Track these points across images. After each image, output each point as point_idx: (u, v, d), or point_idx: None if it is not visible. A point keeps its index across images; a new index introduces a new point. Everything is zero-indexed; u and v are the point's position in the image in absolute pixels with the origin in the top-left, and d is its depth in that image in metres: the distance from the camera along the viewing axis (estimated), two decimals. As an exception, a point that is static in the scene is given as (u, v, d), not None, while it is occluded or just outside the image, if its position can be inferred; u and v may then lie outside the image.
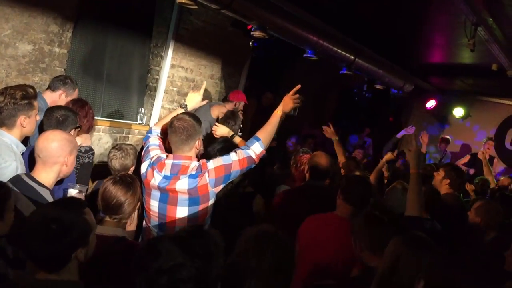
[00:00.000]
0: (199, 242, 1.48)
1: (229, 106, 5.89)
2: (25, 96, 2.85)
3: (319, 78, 8.77)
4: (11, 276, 2.10)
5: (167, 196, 2.79)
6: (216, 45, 6.39)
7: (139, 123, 5.76)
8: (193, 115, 2.93)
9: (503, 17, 4.71)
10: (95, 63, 5.22)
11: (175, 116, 2.90)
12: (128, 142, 5.58)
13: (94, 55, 5.18)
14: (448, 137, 9.38)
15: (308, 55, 5.92)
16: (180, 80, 6.10)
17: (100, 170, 4.28)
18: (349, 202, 3.05)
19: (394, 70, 7.78)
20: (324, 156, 3.78)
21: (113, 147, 3.66)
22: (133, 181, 2.60)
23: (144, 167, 2.89)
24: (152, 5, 5.65)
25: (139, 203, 2.65)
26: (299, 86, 3.03)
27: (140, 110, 5.81)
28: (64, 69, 4.67)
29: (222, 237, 1.66)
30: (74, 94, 4.01)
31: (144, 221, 2.99)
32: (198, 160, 2.87)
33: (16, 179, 2.46)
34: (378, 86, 7.99)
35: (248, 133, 5.19)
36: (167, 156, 2.89)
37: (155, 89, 5.93)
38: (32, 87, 2.99)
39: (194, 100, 3.34)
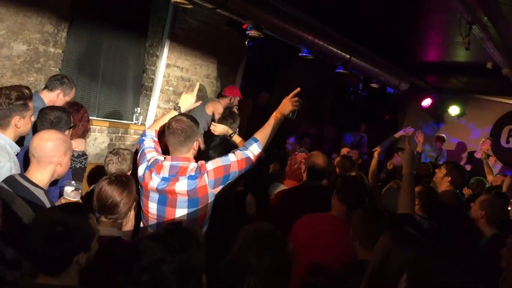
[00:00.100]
0: (177, 238, 1.48)
1: (224, 102, 5.89)
2: (20, 97, 2.84)
3: (315, 77, 8.79)
4: (9, 277, 2.09)
5: (166, 198, 2.78)
6: (212, 45, 6.39)
7: (135, 123, 5.75)
8: (191, 116, 2.92)
9: (498, 15, 4.73)
10: (91, 63, 5.21)
11: (173, 118, 2.89)
12: (124, 142, 5.58)
13: (89, 55, 5.16)
14: (443, 135, 9.41)
15: (304, 54, 5.93)
16: (176, 80, 6.10)
17: (97, 172, 4.28)
18: (344, 202, 3.06)
19: (390, 68, 7.80)
20: (321, 156, 3.79)
21: (110, 152, 3.65)
22: (129, 181, 2.59)
23: (141, 170, 2.87)
24: (147, 4, 5.64)
25: (134, 203, 2.64)
26: (298, 89, 3.03)
27: (135, 110, 5.79)
28: (59, 69, 4.65)
29: (220, 234, 1.66)
30: (72, 93, 4.00)
31: (141, 223, 2.98)
32: (197, 162, 2.87)
33: (9, 180, 2.45)
34: (374, 85, 8.01)
35: (244, 132, 5.20)
36: (164, 158, 2.87)
37: (150, 89, 5.92)
38: (27, 88, 2.98)
39: (187, 102, 3.32)
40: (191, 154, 2.88)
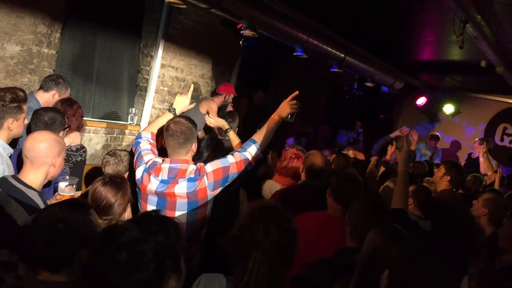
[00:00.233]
0: (154, 221, 1.48)
1: (218, 100, 5.87)
2: (15, 99, 2.84)
3: (309, 76, 8.80)
4: (6, 279, 2.08)
5: (165, 201, 2.77)
6: (206, 45, 6.38)
7: (130, 124, 5.74)
8: (189, 118, 2.91)
9: (491, 14, 4.74)
10: (85, 63, 5.19)
11: (171, 120, 2.89)
12: (119, 143, 5.57)
13: (83, 55, 5.14)
14: (437, 134, 9.45)
15: (298, 54, 5.93)
16: (171, 80, 6.09)
17: (92, 173, 4.26)
18: (338, 201, 3.06)
19: (384, 67, 7.82)
20: (319, 156, 3.80)
21: (107, 153, 3.65)
22: (123, 181, 2.59)
23: (139, 172, 2.86)
24: (141, 4, 5.62)
25: (129, 204, 2.64)
26: (297, 92, 3.04)
27: (130, 110, 5.78)
28: (53, 70, 4.63)
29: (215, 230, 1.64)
30: (67, 94, 4.01)
31: None
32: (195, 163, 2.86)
33: (2, 182, 2.43)
34: (369, 84, 8.03)
35: (240, 132, 5.20)
36: (163, 160, 2.86)
37: (145, 89, 5.91)
38: (22, 90, 2.97)
39: (182, 104, 3.31)
40: (189, 156, 2.88)
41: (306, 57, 5.99)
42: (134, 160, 2.99)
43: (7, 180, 2.44)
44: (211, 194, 2.78)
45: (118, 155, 3.53)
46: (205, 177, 2.74)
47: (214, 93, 6.42)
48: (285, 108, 3.00)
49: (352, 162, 5.74)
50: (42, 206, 2.40)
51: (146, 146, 3.01)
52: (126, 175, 3.50)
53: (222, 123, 3.95)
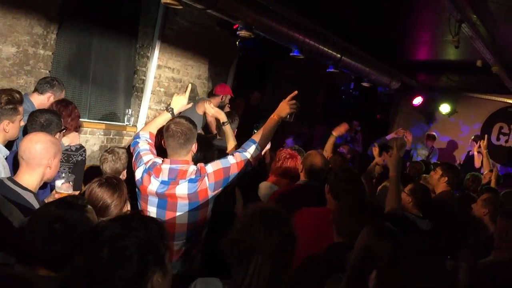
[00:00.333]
0: (136, 218, 1.50)
1: (215, 101, 5.88)
2: (11, 101, 2.83)
3: (306, 76, 8.80)
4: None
5: (166, 202, 2.75)
6: (203, 45, 6.38)
7: (127, 125, 5.74)
8: (189, 119, 2.90)
9: (487, 13, 4.76)
10: (81, 64, 5.19)
11: (171, 120, 2.87)
12: (115, 144, 5.56)
13: (79, 56, 5.14)
14: (434, 133, 9.47)
15: (295, 54, 5.93)
16: (167, 81, 6.08)
17: (89, 174, 4.25)
18: (338, 200, 3.07)
19: (381, 67, 7.83)
20: (319, 156, 3.81)
21: (105, 150, 3.64)
22: (119, 182, 2.58)
23: (139, 173, 2.83)
24: (137, 5, 5.62)
25: (125, 204, 2.63)
26: (295, 92, 3.03)
27: (127, 111, 5.78)
28: (49, 71, 4.63)
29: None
30: (62, 96, 3.99)
31: None
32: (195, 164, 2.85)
33: (-3, 184, 2.42)
34: (365, 84, 8.04)
35: (237, 132, 5.19)
36: (162, 160, 2.84)
37: (142, 90, 5.90)
38: (18, 92, 2.97)
39: (179, 103, 3.28)
40: (190, 156, 2.86)
41: (302, 58, 6.00)
42: (133, 160, 2.97)
43: (3, 182, 2.44)
44: (212, 194, 2.77)
45: (116, 152, 3.52)
46: (206, 178, 2.73)
47: (211, 94, 6.42)
48: (284, 108, 3.00)
49: (349, 159, 5.77)
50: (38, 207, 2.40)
51: (145, 146, 2.98)
52: (124, 173, 3.49)
53: (221, 115, 3.94)
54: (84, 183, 4.04)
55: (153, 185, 2.75)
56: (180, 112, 3.39)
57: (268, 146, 3.54)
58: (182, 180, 2.72)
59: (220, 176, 2.76)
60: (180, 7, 4.29)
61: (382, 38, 6.80)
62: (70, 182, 2.68)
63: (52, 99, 3.87)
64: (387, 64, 7.98)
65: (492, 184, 5.78)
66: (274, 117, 2.99)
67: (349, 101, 10.34)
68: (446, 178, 4.65)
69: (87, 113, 5.32)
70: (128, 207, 2.70)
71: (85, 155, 3.66)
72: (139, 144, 3.00)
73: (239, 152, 2.88)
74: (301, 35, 5.59)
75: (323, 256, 2.60)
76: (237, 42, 6.40)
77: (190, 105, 3.47)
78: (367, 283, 1.88)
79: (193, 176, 2.73)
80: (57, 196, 2.70)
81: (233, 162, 2.80)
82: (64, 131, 3.33)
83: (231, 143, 3.79)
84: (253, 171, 3.87)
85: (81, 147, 3.67)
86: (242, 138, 4.82)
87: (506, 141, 9.73)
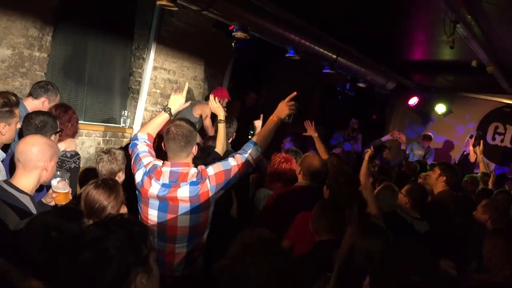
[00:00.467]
0: (116, 222, 1.50)
1: None
2: (6, 103, 2.83)
3: (302, 77, 8.80)
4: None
5: (167, 205, 2.74)
6: (199, 47, 6.38)
7: (123, 126, 5.73)
8: (189, 121, 2.90)
9: (481, 14, 4.78)
10: (77, 66, 5.17)
11: (172, 123, 2.85)
12: (111, 146, 5.54)
13: (75, 58, 5.12)
14: (429, 133, 9.50)
15: (290, 55, 5.94)
16: (163, 82, 6.08)
17: (85, 176, 4.24)
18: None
19: (376, 68, 7.85)
20: (316, 157, 3.84)
21: (102, 151, 3.63)
22: (115, 184, 2.59)
23: (139, 176, 2.82)
24: (132, 7, 5.62)
25: (122, 206, 2.63)
26: (294, 93, 3.04)
27: (123, 113, 5.77)
28: (45, 73, 4.62)
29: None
30: (56, 100, 3.98)
31: None
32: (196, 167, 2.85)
33: (-7, 187, 2.42)
34: (361, 85, 8.05)
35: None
36: (163, 163, 2.83)
37: (138, 92, 5.90)
38: (14, 94, 2.96)
39: (177, 103, 3.26)
40: (190, 159, 2.86)
41: (298, 58, 6.00)
42: (132, 163, 2.95)
43: (-1, 185, 2.43)
44: (213, 197, 2.77)
45: (113, 153, 3.51)
46: (207, 180, 2.73)
47: (208, 98, 6.41)
48: (283, 109, 3.00)
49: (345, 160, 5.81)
50: (34, 210, 2.39)
51: (144, 148, 2.96)
52: (119, 174, 3.47)
53: (220, 112, 3.96)
54: (80, 185, 4.05)
55: (154, 188, 2.74)
56: (178, 112, 3.38)
57: None
58: (184, 182, 2.71)
59: (221, 179, 2.76)
60: (176, 8, 4.29)
61: (378, 39, 6.83)
62: (66, 180, 2.68)
63: (46, 104, 3.85)
64: (383, 65, 8.00)
65: (490, 185, 5.88)
66: (273, 119, 3.00)
67: (345, 101, 10.36)
68: (445, 178, 4.69)
69: (83, 115, 5.31)
70: (124, 209, 2.70)
71: (79, 162, 3.64)
72: (138, 146, 2.98)
73: (240, 153, 2.87)
74: (296, 36, 5.59)
75: (310, 253, 2.63)
76: (232, 44, 6.40)
77: (188, 103, 3.47)
78: (355, 282, 1.88)
79: (194, 179, 2.72)
80: (54, 195, 2.70)
81: (234, 164, 2.80)
82: (60, 133, 3.32)
83: (220, 141, 3.82)
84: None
85: (76, 154, 3.65)
86: (238, 139, 4.85)
87: (502, 141, 9.78)
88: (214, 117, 4.66)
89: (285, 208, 3.49)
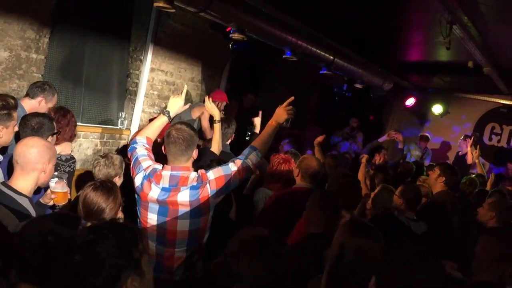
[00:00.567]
0: (107, 226, 1.51)
1: None
2: (5, 106, 2.83)
3: (299, 78, 8.82)
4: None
5: (167, 209, 2.73)
6: (196, 48, 6.39)
7: (120, 128, 5.72)
8: (189, 125, 2.89)
9: (478, 15, 4.80)
10: (74, 68, 5.17)
11: (172, 126, 2.84)
12: (109, 147, 5.54)
13: (72, 60, 5.12)
14: (427, 134, 9.52)
15: (287, 56, 5.95)
16: (160, 84, 6.08)
17: (83, 178, 4.24)
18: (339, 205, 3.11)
19: (373, 69, 7.87)
20: (314, 159, 3.85)
21: (100, 155, 3.63)
22: (114, 186, 2.59)
23: (139, 180, 2.80)
24: (130, 9, 5.62)
25: (120, 208, 2.63)
26: (292, 98, 3.05)
27: (120, 114, 5.77)
28: (42, 75, 4.62)
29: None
30: (54, 99, 3.98)
31: None
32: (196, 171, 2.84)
33: (-9, 189, 2.41)
34: (358, 85, 8.07)
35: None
36: (162, 167, 2.82)
37: (135, 93, 5.90)
38: (12, 97, 2.96)
39: (176, 106, 3.24)
40: (190, 163, 2.85)
41: (295, 60, 6.02)
42: (131, 166, 2.93)
43: (-3, 187, 2.43)
44: (213, 202, 2.77)
45: (110, 157, 3.50)
46: (207, 185, 2.72)
47: None
48: (281, 114, 3.01)
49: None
50: (33, 212, 2.39)
51: (143, 152, 2.94)
52: (116, 179, 3.46)
53: (216, 113, 3.98)
54: (77, 187, 4.04)
55: (154, 192, 2.73)
56: (176, 115, 3.38)
57: None
58: (184, 187, 2.71)
59: (222, 183, 2.76)
60: (173, 10, 4.30)
61: (375, 40, 6.84)
62: (64, 180, 2.68)
63: (43, 103, 3.85)
64: (380, 66, 8.02)
65: (489, 186, 5.93)
66: (272, 123, 3.01)
67: (342, 102, 10.37)
68: (444, 178, 4.71)
69: (80, 116, 5.30)
70: (120, 213, 2.69)
71: (74, 166, 3.63)
72: (137, 150, 2.96)
73: (240, 158, 2.87)
74: (293, 37, 5.61)
75: (301, 245, 2.69)
76: (230, 45, 6.41)
77: (187, 106, 3.46)
78: (346, 281, 1.89)
79: (194, 183, 2.72)
80: (53, 196, 2.70)
81: (234, 169, 2.80)
82: (57, 134, 3.32)
83: (216, 140, 3.83)
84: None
85: (72, 157, 3.64)
86: (236, 140, 4.86)
87: (498, 141, 9.81)
88: (212, 119, 4.66)
89: (283, 210, 3.49)
